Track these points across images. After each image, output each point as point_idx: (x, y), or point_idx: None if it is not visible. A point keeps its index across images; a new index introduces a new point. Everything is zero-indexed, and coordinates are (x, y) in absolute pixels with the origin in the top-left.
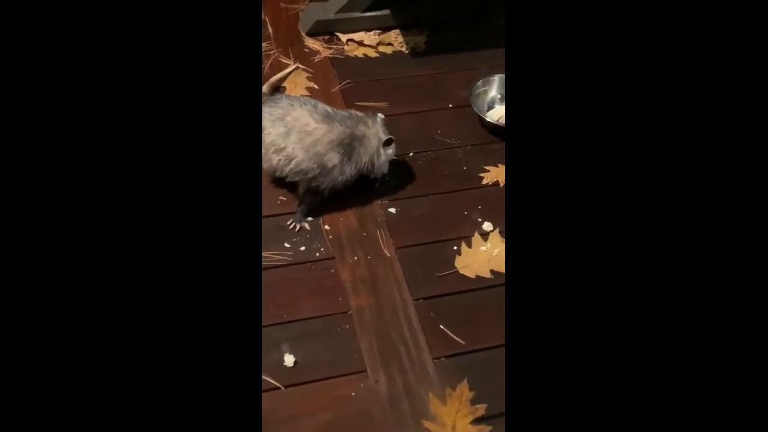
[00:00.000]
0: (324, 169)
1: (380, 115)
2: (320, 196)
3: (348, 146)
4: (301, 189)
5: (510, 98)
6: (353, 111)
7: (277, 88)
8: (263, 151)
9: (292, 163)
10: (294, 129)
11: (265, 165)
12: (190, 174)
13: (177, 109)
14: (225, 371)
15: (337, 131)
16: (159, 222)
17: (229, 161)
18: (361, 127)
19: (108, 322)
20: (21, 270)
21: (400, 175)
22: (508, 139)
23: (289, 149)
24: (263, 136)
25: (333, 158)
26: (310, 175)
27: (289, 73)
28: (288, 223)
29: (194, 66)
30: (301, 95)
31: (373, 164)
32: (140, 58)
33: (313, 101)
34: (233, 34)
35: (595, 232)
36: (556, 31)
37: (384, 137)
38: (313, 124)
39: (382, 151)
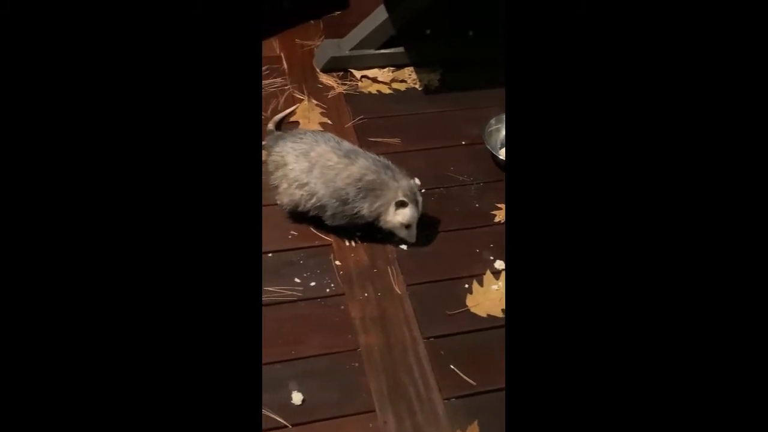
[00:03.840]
0: (341, 202)
1: (417, 181)
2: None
3: (366, 184)
4: (327, 221)
5: (510, 109)
6: (389, 161)
7: (279, 126)
8: (286, 185)
9: (314, 198)
10: (317, 164)
11: (287, 199)
12: (191, 206)
13: (180, 139)
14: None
15: (358, 167)
16: (157, 251)
17: (230, 190)
18: (387, 175)
19: (109, 353)
20: (19, 275)
21: None
22: (509, 151)
23: (312, 184)
24: (287, 171)
25: (350, 192)
26: (329, 211)
27: (290, 114)
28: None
29: (198, 100)
30: (315, 131)
31: (380, 214)
32: (145, 89)
33: (337, 138)
34: (235, 63)
35: (597, 270)
36: (556, 41)
37: (400, 196)
38: (335, 159)
39: (392, 208)
